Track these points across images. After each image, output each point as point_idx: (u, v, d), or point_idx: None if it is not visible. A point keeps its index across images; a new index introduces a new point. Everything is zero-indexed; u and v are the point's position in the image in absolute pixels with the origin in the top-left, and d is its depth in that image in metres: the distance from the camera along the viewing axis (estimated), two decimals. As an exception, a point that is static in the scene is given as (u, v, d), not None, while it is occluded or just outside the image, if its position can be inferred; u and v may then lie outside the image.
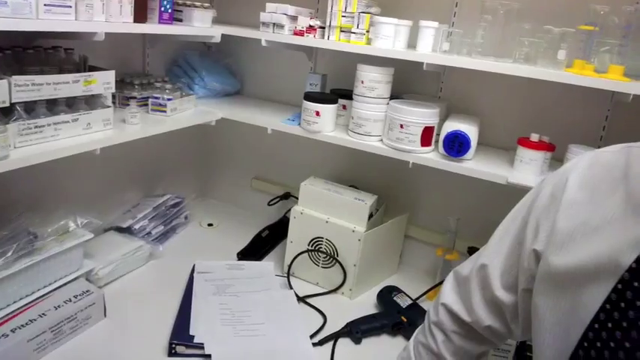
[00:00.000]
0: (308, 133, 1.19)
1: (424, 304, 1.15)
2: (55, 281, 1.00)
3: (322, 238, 1.19)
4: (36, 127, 0.88)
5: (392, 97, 1.14)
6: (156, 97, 1.22)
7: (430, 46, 1.08)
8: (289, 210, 1.39)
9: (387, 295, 1.14)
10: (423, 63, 1.03)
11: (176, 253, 1.31)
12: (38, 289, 0.97)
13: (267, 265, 1.27)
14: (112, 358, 0.92)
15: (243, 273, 1.21)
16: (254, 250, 1.33)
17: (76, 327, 0.96)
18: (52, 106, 0.92)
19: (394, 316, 1.06)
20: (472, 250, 1.17)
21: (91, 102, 1.01)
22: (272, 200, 1.49)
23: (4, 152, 0.80)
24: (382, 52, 1.08)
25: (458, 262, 0.81)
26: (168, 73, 1.44)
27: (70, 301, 0.97)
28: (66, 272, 1.03)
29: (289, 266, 1.22)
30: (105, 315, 1.03)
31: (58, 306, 0.95)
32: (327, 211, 1.19)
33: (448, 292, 0.66)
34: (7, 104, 0.82)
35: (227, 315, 1.03)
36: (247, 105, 1.42)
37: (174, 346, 0.92)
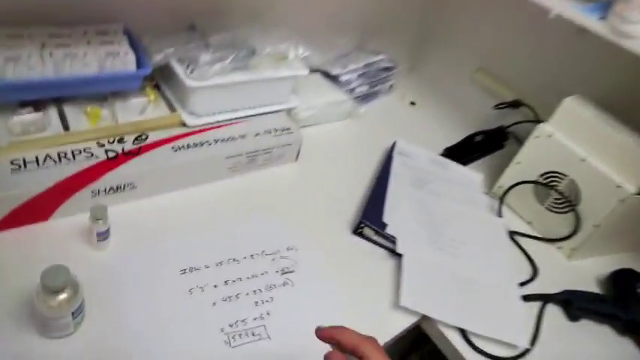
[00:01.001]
0: (614, 33, 0.81)
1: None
2: (260, 106, 0.90)
3: (566, 176, 0.89)
4: None
5: None
6: None
7: None
8: (514, 123, 1.10)
9: (628, 280, 0.83)
10: None
11: (375, 122, 1.12)
12: (243, 109, 0.88)
13: (474, 175, 1.02)
14: (293, 203, 0.82)
15: (447, 174, 0.99)
16: (462, 153, 1.08)
17: (268, 161, 0.87)
18: None
19: (634, 313, 0.77)
20: None
21: None
22: (500, 105, 1.18)
23: None
24: None
25: None
26: None
27: (270, 133, 0.86)
28: (273, 101, 0.91)
29: (507, 190, 0.97)
30: (296, 159, 0.92)
31: (258, 134, 0.85)
32: (589, 148, 0.86)
33: None
34: None
35: (425, 216, 0.84)
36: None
37: (362, 226, 0.78)
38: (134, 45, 0.76)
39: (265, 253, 0.71)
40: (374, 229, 0.77)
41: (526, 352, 0.69)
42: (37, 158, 0.63)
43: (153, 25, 0.81)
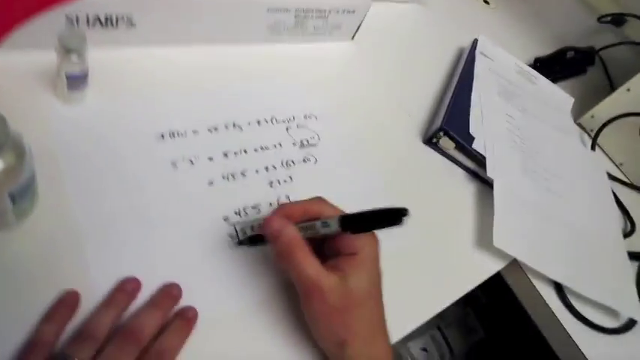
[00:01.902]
0: None
1: None
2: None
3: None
4: None
5: None
6: None
7: None
8: (613, 45, 0.86)
9: None
10: None
11: (444, 14, 0.85)
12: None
13: (566, 97, 0.79)
14: (346, 90, 0.59)
15: (533, 88, 0.76)
16: (550, 68, 0.84)
17: (320, 30, 0.62)
18: None
19: None
20: None
21: None
22: (603, 17, 0.92)
23: None
24: None
25: None
26: None
27: (326, -11, 0.61)
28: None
29: (606, 122, 0.74)
30: (353, 37, 0.67)
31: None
32: None
33: None
34: None
35: (516, 136, 0.63)
36: None
37: (442, 134, 0.56)
38: None
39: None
40: (456, 141, 0.55)
41: (632, 324, 0.52)
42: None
43: None
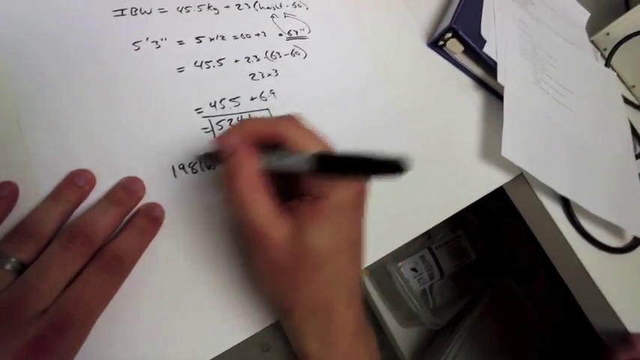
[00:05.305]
0: None
1: None
2: None
3: None
4: None
5: None
6: None
7: None
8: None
9: None
10: None
11: None
12: None
13: (581, 11, 0.69)
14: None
15: (549, 0, 0.66)
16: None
17: None
18: None
19: None
20: None
21: None
22: None
23: None
24: None
25: None
26: None
27: None
28: None
29: (622, 41, 0.65)
30: None
31: None
32: None
33: None
34: None
35: (528, 44, 0.54)
36: None
37: (448, 36, 0.47)
38: None
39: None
40: (465, 43, 0.47)
41: (638, 243, 0.47)
42: None
43: None
